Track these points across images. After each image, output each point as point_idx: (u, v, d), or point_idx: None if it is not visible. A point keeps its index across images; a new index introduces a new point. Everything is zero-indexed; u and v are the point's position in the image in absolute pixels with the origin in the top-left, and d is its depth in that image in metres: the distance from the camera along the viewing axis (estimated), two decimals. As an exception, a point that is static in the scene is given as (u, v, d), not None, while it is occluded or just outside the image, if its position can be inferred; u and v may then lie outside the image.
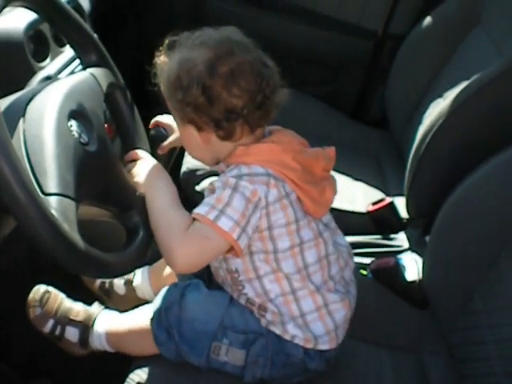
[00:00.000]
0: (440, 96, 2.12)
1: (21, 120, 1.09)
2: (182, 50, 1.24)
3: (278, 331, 1.34)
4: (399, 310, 1.66)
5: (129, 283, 1.73)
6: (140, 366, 1.38)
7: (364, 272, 1.81)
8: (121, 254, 1.17)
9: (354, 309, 1.41)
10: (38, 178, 1.03)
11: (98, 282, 1.74)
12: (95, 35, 1.39)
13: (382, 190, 2.22)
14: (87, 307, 1.53)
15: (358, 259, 1.90)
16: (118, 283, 1.74)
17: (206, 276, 1.49)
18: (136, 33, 2.76)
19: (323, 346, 1.35)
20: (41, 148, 1.06)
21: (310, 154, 1.30)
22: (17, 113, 1.11)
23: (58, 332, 1.50)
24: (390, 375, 1.49)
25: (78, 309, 1.52)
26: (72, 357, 1.53)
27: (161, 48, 1.29)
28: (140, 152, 1.38)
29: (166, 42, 1.29)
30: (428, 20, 2.41)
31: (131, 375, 1.37)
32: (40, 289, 1.55)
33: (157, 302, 1.40)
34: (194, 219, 1.21)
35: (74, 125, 1.17)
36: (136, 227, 1.25)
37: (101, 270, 1.10)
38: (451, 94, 1.87)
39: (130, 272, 1.22)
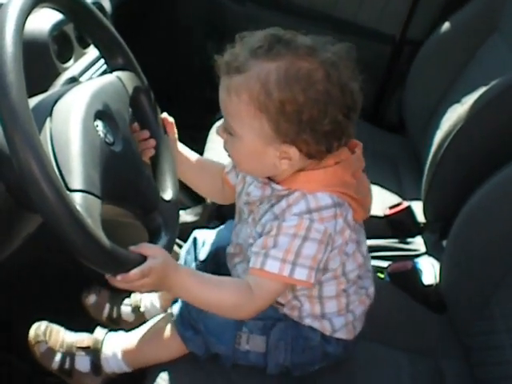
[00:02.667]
0: (458, 101, 2.12)
1: (48, 119, 1.10)
2: (284, 58, 1.10)
3: (295, 319, 1.35)
4: (416, 313, 1.67)
5: (137, 309, 1.71)
6: (164, 370, 1.39)
7: (381, 275, 1.82)
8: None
9: (372, 300, 1.42)
10: (63, 175, 1.04)
11: (106, 312, 1.72)
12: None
13: (398, 195, 2.22)
14: (91, 335, 1.51)
15: (375, 262, 1.91)
16: (126, 311, 1.71)
17: (216, 271, 1.47)
18: (154, 35, 2.77)
19: (341, 336, 1.37)
20: (67, 146, 1.07)
21: (357, 161, 1.26)
22: (44, 112, 1.12)
23: (67, 365, 1.46)
24: (407, 378, 1.49)
25: (82, 337, 1.50)
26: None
27: (234, 43, 1.16)
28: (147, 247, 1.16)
29: (238, 39, 1.16)
30: (446, 26, 2.41)
31: (157, 379, 1.37)
32: (40, 325, 1.52)
33: (175, 306, 1.40)
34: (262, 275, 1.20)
35: (99, 125, 1.18)
36: (158, 229, 1.25)
37: (123, 269, 1.11)
38: (469, 100, 1.88)
39: None
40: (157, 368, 1.41)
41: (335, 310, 1.34)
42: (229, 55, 1.14)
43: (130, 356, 1.44)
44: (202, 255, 1.53)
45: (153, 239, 1.24)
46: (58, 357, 1.47)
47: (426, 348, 1.59)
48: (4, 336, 1.79)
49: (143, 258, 1.13)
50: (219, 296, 1.22)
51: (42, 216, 0.97)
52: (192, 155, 1.49)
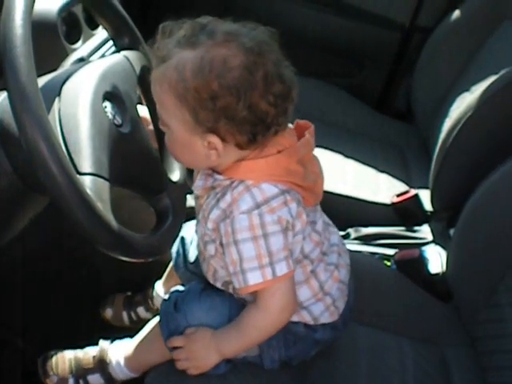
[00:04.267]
0: (467, 90, 2.11)
1: (56, 99, 1.10)
2: (202, 46, 1.07)
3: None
4: (422, 301, 1.66)
5: (150, 308, 1.73)
6: (157, 369, 1.39)
7: (388, 263, 1.81)
8: (151, 236, 1.18)
9: (346, 275, 1.39)
10: (72, 157, 1.04)
11: (126, 319, 1.75)
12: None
13: (405, 183, 2.22)
14: (95, 348, 1.51)
15: (381, 250, 1.91)
16: (142, 311, 1.74)
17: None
18: (164, 16, 2.76)
19: (324, 321, 1.34)
20: (76, 127, 1.07)
21: (305, 147, 1.22)
22: (52, 92, 1.11)
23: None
24: (412, 366, 1.49)
25: (88, 356, 1.50)
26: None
27: (158, 35, 1.13)
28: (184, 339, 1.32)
29: (160, 29, 1.13)
30: (456, 13, 2.41)
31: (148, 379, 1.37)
32: (45, 358, 1.53)
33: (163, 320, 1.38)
34: (256, 291, 1.20)
35: (108, 106, 1.17)
36: (166, 210, 1.25)
37: (131, 251, 1.10)
38: (479, 88, 1.87)
39: (160, 254, 1.21)
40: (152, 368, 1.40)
41: (310, 296, 1.31)
42: (158, 46, 1.12)
43: (131, 362, 1.45)
44: (192, 256, 1.51)
45: (160, 220, 1.24)
46: (70, 382, 1.49)
47: (431, 336, 1.58)
48: (10, 317, 1.80)
49: (152, 242, 1.15)
50: (247, 336, 1.27)
51: (52, 200, 0.98)
52: None
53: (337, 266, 1.35)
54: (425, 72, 2.51)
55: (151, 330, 1.43)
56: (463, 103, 1.92)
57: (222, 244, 1.21)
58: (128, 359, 1.45)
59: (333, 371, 1.41)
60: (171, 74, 1.08)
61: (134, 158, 1.20)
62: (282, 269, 1.17)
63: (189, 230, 1.53)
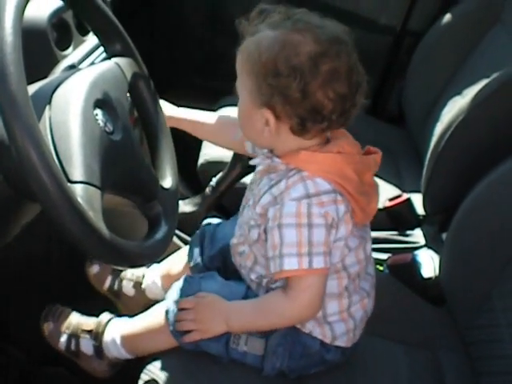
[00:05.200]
0: (459, 93, 2.11)
1: (47, 107, 1.10)
2: (283, 29, 1.16)
3: (297, 325, 1.34)
4: (415, 306, 1.66)
5: (138, 285, 1.72)
6: (155, 359, 1.38)
7: (380, 268, 1.81)
8: (143, 243, 1.17)
9: (371, 308, 1.41)
10: (63, 166, 1.03)
11: (107, 283, 1.74)
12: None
13: (398, 187, 2.21)
14: (96, 318, 1.53)
15: (374, 255, 1.90)
16: (127, 285, 1.73)
17: (221, 266, 1.49)
18: (154, 21, 2.76)
19: (340, 344, 1.36)
20: (67, 135, 1.07)
21: (365, 164, 1.27)
22: (43, 100, 1.11)
23: (73, 346, 1.51)
24: (406, 371, 1.49)
25: (88, 321, 1.53)
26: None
27: (254, 13, 1.23)
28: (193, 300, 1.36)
29: (258, 9, 1.22)
30: (447, 17, 2.40)
31: (149, 367, 1.36)
32: (51, 306, 1.57)
33: (171, 295, 1.40)
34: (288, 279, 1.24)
35: (99, 114, 1.17)
36: (158, 218, 1.25)
37: (123, 259, 1.10)
38: (471, 92, 1.87)
39: (152, 262, 1.21)
40: (151, 356, 1.40)
41: (336, 311, 1.32)
42: (250, 23, 1.22)
43: (128, 343, 1.45)
44: (209, 250, 1.53)
45: (153, 228, 1.23)
46: (63, 338, 1.52)
47: (424, 341, 1.58)
48: (0, 324, 1.79)
49: (144, 250, 1.16)
50: (264, 318, 1.30)
51: (43, 208, 0.97)
52: (207, 117, 1.58)
53: (368, 294, 1.38)
54: (416, 76, 2.50)
55: (157, 317, 1.42)
56: (454, 107, 1.92)
57: (265, 230, 1.25)
58: (127, 340, 1.45)
59: (328, 380, 1.40)
60: (250, 46, 1.19)
61: (125, 165, 1.20)
62: (319, 262, 1.20)
63: (209, 226, 1.60)
